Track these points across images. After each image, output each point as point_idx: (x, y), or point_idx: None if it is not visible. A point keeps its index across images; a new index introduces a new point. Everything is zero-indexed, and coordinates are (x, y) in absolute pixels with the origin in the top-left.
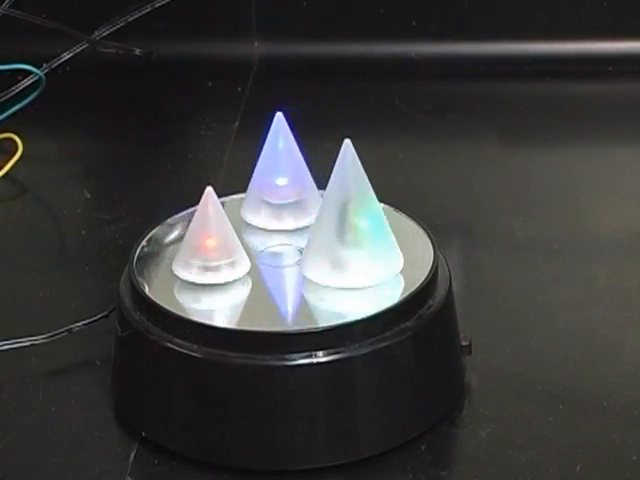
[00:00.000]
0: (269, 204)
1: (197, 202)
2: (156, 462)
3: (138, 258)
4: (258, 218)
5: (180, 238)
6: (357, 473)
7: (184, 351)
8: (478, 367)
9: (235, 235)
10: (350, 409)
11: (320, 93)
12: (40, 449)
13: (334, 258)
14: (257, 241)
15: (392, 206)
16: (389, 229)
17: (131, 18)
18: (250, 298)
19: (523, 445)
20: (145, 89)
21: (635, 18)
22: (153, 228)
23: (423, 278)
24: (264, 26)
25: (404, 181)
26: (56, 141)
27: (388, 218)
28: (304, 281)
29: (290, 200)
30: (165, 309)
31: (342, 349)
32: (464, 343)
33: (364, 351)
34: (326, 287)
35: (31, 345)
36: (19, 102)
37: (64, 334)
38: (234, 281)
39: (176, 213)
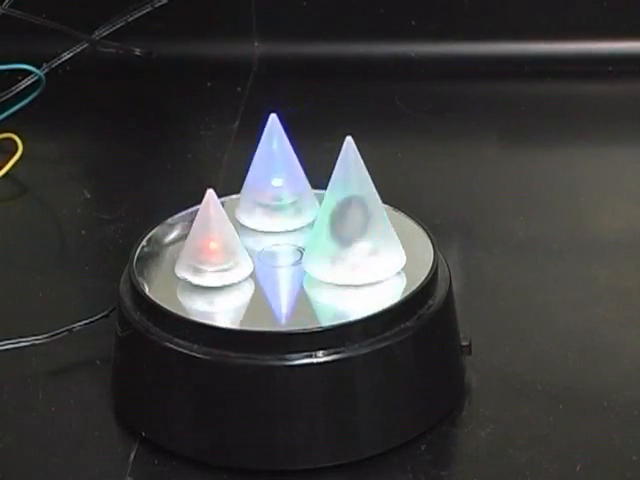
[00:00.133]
0: (263, 205)
1: (197, 202)
2: (156, 462)
3: (138, 258)
4: (252, 219)
5: (180, 238)
6: (357, 473)
7: (184, 351)
8: (478, 367)
9: (237, 237)
10: (350, 409)
11: (320, 93)
12: (40, 449)
13: (335, 254)
14: (252, 242)
15: (392, 206)
16: (390, 225)
17: (131, 18)
18: (250, 298)
19: (523, 445)
20: (145, 89)
21: (635, 18)
22: (153, 228)
23: (423, 278)
24: (264, 26)
25: (404, 181)
26: (56, 141)
27: (388, 218)
28: (303, 280)
29: (284, 201)
30: (165, 309)
31: (342, 349)
32: (464, 343)
33: (364, 351)
34: (326, 285)
35: (31, 345)
36: (19, 102)
37: (64, 334)
38: (235, 282)
39: (176, 213)
